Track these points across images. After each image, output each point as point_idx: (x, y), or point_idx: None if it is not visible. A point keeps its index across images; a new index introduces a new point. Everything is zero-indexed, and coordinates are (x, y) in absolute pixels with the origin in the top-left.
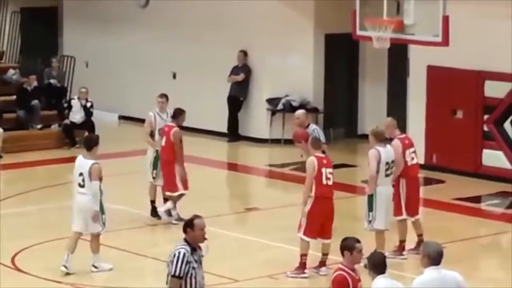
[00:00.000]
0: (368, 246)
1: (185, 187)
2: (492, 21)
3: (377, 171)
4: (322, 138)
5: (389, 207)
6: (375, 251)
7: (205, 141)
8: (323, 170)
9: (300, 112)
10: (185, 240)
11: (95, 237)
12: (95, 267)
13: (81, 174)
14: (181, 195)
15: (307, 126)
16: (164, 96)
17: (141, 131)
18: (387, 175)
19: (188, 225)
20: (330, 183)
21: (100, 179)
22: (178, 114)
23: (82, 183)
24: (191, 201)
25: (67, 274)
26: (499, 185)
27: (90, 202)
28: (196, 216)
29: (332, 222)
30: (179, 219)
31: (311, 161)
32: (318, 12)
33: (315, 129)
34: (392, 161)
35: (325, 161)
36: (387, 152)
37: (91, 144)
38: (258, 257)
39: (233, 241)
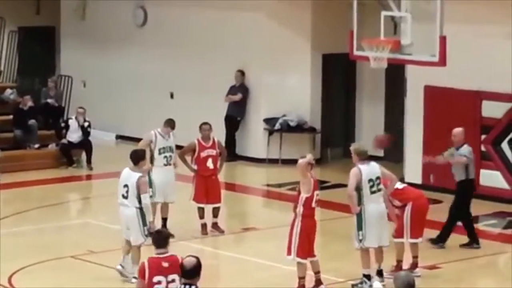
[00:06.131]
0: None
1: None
2: (490, 41)
3: (360, 189)
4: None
5: (382, 224)
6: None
7: None
8: (315, 193)
9: (459, 130)
10: None
11: (136, 248)
12: (122, 266)
13: (126, 185)
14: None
15: (462, 145)
16: (168, 123)
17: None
18: (373, 192)
19: None
20: (316, 204)
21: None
22: None
23: (125, 195)
24: (188, 221)
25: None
26: (497, 205)
27: (133, 213)
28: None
29: (314, 240)
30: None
31: (309, 181)
32: (316, 32)
33: (470, 152)
34: (377, 178)
35: (316, 184)
36: (370, 169)
37: (137, 158)
38: (255, 277)
39: (230, 261)
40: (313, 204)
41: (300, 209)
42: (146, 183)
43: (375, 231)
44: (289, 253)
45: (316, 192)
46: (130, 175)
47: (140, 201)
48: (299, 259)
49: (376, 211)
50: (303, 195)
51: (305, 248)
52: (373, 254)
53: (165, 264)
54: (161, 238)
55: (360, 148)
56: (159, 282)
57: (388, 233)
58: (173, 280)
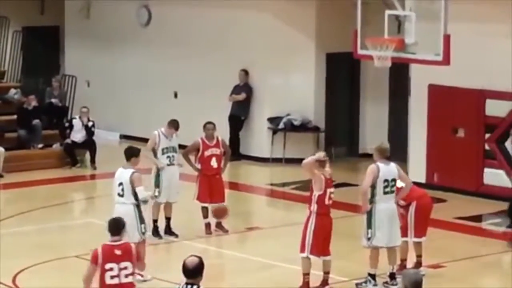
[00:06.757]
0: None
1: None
2: (493, 40)
3: (374, 187)
4: None
5: (393, 224)
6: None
7: None
8: (328, 190)
9: None
10: None
11: (136, 245)
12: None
13: (120, 184)
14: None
15: None
16: (171, 124)
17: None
18: (385, 193)
19: None
20: (331, 202)
21: None
22: None
23: (121, 193)
24: (191, 220)
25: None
26: (501, 204)
27: (130, 210)
28: None
29: (330, 239)
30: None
31: (320, 179)
32: (320, 31)
33: None
34: (393, 179)
35: (329, 182)
36: (389, 169)
37: (130, 154)
38: (259, 276)
39: (234, 260)
40: (327, 202)
41: (314, 207)
42: (139, 178)
43: (385, 231)
44: (302, 250)
45: (329, 190)
46: (123, 173)
47: (136, 198)
48: (313, 257)
49: (386, 211)
50: (316, 193)
51: (320, 246)
52: (386, 256)
53: (118, 252)
54: (115, 226)
55: (382, 145)
56: (111, 269)
57: (399, 233)
58: (125, 268)
